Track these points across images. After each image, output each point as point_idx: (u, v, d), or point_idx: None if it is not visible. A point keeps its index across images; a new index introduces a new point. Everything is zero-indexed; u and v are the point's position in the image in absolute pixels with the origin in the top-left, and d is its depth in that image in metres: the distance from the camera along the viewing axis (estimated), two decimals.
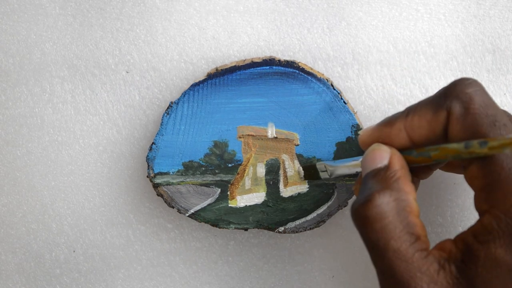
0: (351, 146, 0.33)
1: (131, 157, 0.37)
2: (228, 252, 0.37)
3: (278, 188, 0.34)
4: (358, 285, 0.37)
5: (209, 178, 0.34)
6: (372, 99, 0.36)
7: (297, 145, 0.34)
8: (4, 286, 0.37)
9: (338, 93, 0.33)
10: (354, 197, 0.34)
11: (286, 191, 0.34)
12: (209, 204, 0.34)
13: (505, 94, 0.36)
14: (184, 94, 0.33)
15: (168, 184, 0.33)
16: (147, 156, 0.33)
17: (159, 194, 0.34)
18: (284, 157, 0.34)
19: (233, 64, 0.33)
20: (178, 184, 0.34)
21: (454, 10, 0.36)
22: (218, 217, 0.34)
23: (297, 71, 0.33)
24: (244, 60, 0.33)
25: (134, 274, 0.37)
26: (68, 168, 0.37)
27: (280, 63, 0.33)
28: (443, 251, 0.24)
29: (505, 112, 0.27)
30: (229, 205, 0.34)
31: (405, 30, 0.36)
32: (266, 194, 0.34)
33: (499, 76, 0.36)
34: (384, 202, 0.24)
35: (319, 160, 0.33)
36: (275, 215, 0.34)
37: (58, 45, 0.37)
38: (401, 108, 0.36)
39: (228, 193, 0.34)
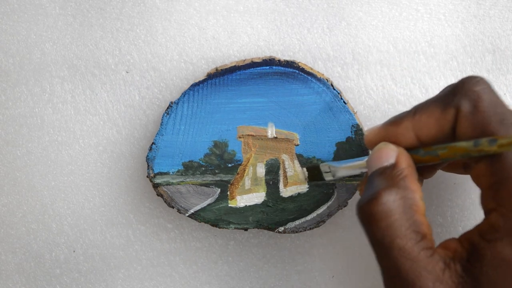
0: (351, 146, 0.33)
1: (131, 157, 0.37)
2: (228, 252, 0.37)
3: (278, 188, 0.34)
4: (358, 285, 0.37)
5: (209, 178, 0.34)
6: (372, 99, 0.36)
7: (297, 145, 0.34)
8: (4, 286, 0.37)
9: (338, 93, 0.33)
10: (354, 197, 0.34)
11: (286, 191, 0.34)
12: (209, 204, 0.34)
13: (505, 94, 0.36)
14: (184, 94, 0.33)
15: (168, 184, 0.33)
16: (147, 156, 0.33)
17: (159, 194, 0.34)
18: (284, 157, 0.34)
19: (233, 64, 0.33)
20: (178, 184, 0.34)
21: (454, 10, 0.36)
22: (218, 217, 0.34)
23: (297, 71, 0.33)
24: (244, 60, 0.33)
25: (134, 274, 0.37)
26: (68, 168, 0.37)
27: (280, 63, 0.33)
28: (448, 250, 0.24)
29: None
30: (229, 205, 0.34)
31: (405, 30, 0.36)
32: (266, 194, 0.34)
33: (499, 76, 0.36)
34: (390, 200, 0.24)
35: (319, 160, 0.33)
36: (275, 215, 0.34)
37: (58, 45, 0.37)
38: (401, 108, 0.36)
39: (228, 193, 0.34)
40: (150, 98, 0.36)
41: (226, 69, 0.33)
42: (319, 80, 0.33)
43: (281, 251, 0.37)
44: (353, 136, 0.33)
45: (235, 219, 0.34)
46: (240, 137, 0.34)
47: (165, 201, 0.34)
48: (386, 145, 0.27)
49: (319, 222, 0.34)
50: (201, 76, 0.34)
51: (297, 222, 0.34)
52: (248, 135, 0.34)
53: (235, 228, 0.34)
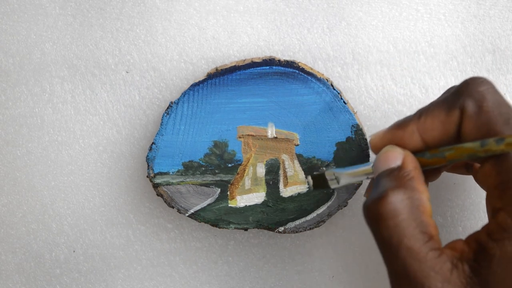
0: (351, 146, 0.33)
1: (131, 157, 0.37)
2: (228, 252, 0.37)
3: (278, 188, 0.34)
4: (358, 285, 0.37)
5: (209, 178, 0.34)
6: (372, 99, 0.36)
7: (297, 145, 0.34)
8: (4, 286, 0.37)
9: (338, 93, 0.33)
10: (354, 197, 0.34)
11: (286, 191, 0.34)
12: (209, 204, 0.34)
13: (505, 94, 0.36)
14: (184, 94, 0.33)
15: (168, 184, 0.33)
16: (147, 156, 0.33)
17: (159, 194, 0.34)
18: (284, 157, 0.34)
19: (233, 64, 0.33)
20: (178, 184, 0.34)
21: (454, 10, 0.36)
22: (218, 217, 0.34)
23: (297, 71, 0.33)
24: (244, 60, 0.33)
25: (134, 274, 0.37)
26: (68, 168, 0.37)
27: (280, 63, 0.33)
28: (455, 251, 0.24)
29: None
30: (229, 205, 0.34)
31: (405, 30, 0.36)
32: (266, 194, 0.34)
33: (499, 76, 0.36)
34: (398, 200, 0.24)
35: (319, 160, 0.33)
36: (275, 215, 0.34)
37: (58, 45, 0.37)
38: (401, 108, 0.36)
39: (228, 193, 0.34)
40: (150, 98, 0.36)
41: (226, 69, 0.33)
42: (319, 80, 0.33)
43: (281, 251, 0.37)
44: (353, 136, 0.33)
45: (235, 219, 0.34)
46: (240, 137, 0.34)
47: (165, 201, 0.34)
48: (393, 148, 0.27)
49: (319, 222, 0.34)
50: (201, 76, 0.34)
51: (297, 222, 0.34)
52: (248, 135, 0.34)
53: (235, 228, 0.34)
